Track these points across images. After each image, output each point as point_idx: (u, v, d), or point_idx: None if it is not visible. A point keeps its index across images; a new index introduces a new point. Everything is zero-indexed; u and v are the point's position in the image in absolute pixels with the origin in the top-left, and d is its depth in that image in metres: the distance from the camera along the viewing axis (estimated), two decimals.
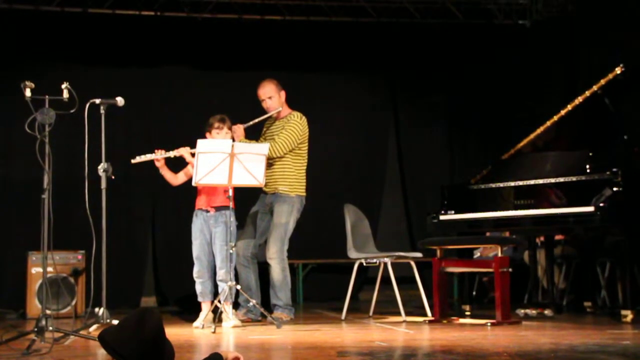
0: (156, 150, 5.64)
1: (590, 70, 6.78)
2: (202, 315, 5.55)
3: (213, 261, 5.64)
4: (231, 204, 5.51)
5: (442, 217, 6.08)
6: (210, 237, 5.64)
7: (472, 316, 6.00)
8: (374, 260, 5.98)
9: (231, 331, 5.17)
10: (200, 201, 5.72)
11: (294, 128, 5.88)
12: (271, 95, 5.96)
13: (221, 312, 5.40)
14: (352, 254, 6.02)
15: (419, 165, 8.48)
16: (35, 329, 4.25)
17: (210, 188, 5.63)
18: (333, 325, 5.52)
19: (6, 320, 6.40)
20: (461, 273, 6.50)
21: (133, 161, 5.61)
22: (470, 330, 4.97)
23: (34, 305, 6.43)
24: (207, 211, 5.66)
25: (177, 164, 5.83)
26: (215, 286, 5.62)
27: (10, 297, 6.97)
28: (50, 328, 4.26)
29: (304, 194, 5.97)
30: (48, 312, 4.39)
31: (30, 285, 6.55)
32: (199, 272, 5.65)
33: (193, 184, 5.43)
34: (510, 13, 8.15)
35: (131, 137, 7.51)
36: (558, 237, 6.59)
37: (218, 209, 5.63)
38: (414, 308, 6.34)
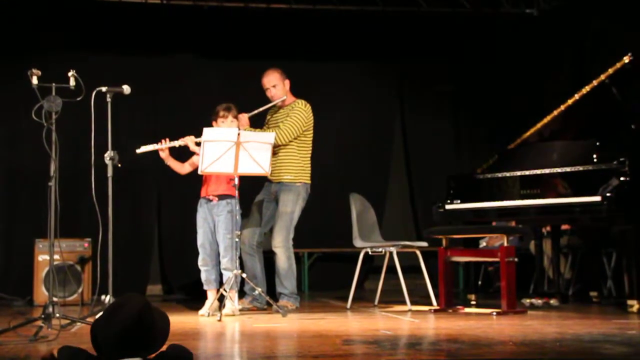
0: (161, 140, 5.65)
1: (598, 59, 6.74)
2: (207, 303, 5.57)
3: (218, 249, 5.65)
4: (236, 193, 5.52)
5: (447, 207, 6.07)
6: (214, 226, 5.65)
7: (477, 305, 6.00)
8: (380, 250, 5.99)
9: (237, 319, 5.19)
10: (204, 190, 5.73)
11: (298, 115, 5.88)
12: (275, 84, 5.96)
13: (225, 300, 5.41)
14: (358, 243, 6.03)
15: (425, 154, 8.47)
16: (43, 316, 4.28)
17: (214, 177, 5.64)
18: (338, 314, 5.53)
19: (13, 307, 6.44)
20: (467, 262, 6.50)
21: (138, 151, 5.62)
22: (476, 320, 4.97)
23: (41, 293, 6.47)
24: (210, 200, 5.67)
25: (184, 154, 5.84)
26: (221, 274, 5.64)
27: (18, 285, 6.99)
28: (57, 315, 4.29)
29: (309, 181, 5.97)
30: (55, 299, 4.41)
31: (37, 273, 6.58)
32: (203, 260, 5.66)
33: (199, 172, 5.44)
34: (517, 2, 8.11)
35: (137, 125, 7.51)
36: (564, 226, 6.59)
37: (221, 197, 5.64)
38: (419, 297, 6.35)
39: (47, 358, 2.79)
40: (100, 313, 4.69)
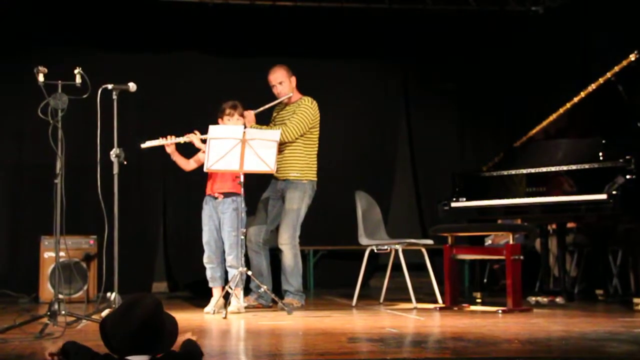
0: (166, 136, 5.66)
1: (604, 57, 6.73)
2: (213, 300, 5.57)
3: (223, 247, 5.65)
4: (241, 190, 5.52)
5: (453, 204, 6.06)
6: (219, 223, 5.66)
7: (483, 303, 6.00)
8: (385, 247, 5.99)
9: (242, 316, 5.19)
10: (210, 187, 5.73)
11: (305, 112, 5.88)
12: (282, 81, 5.96)
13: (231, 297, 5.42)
14: (363, 240, 6.02)
15: (430, 152, 8.46)
16: (48, 313, 4.28)
17: (219, 174, 5.64)
18: (344, 312, 5.53)
19: (19, 304, 6.45)
20: (472, 260, 6.50)
21: (143, 146, 5.63)
22: (481, 318, 4.97)
23: (47, 290, 6.48)
24: (216, 197, 5.68)
25: (189, 150, 5.84)
26: (226, 272, 5.64)
27: (23, 281, 7.01)
28: (63, 312, 4.30)
29: (316, 178, 5.97)
30: (60, 296, 4.42)
31: (43, 270, 6.59)
32: (208, 258, 5.67)
33: (205, 169, 5.44)
34: None
35: (143, 123, 7.51)
36: (570, 224, 6.57)
37: (226, 194, 5.64)
38: (424, 295, 6.35)
39: (55, 353, 2.80)
40: (108, 310, 4.72)
